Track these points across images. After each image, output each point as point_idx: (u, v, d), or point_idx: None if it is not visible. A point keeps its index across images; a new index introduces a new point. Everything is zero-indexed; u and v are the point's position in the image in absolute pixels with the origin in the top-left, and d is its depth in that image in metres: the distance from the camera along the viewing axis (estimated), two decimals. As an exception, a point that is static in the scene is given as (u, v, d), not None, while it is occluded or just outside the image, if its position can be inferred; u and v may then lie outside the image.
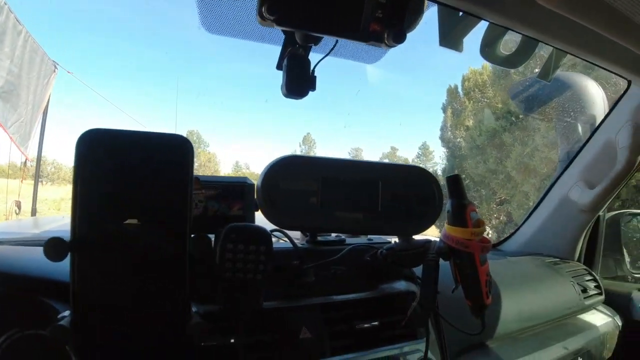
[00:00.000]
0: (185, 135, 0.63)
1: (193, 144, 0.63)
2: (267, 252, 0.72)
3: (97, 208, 0.58)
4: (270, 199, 0.75)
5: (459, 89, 14.00)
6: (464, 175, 11.36)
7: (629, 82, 1.50)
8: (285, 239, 0.87)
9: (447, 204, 0.82)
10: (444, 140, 14.40)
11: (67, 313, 0.59)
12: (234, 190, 0.83)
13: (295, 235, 0.99)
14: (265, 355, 0.76)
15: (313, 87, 0.91)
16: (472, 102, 13.44)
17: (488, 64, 12.80)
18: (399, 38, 0.76)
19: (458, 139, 13.81)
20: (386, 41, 0.78)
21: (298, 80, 0.89)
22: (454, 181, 0.82)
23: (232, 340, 0.73)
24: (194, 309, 0.74)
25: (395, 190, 0.82)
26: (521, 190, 10.38)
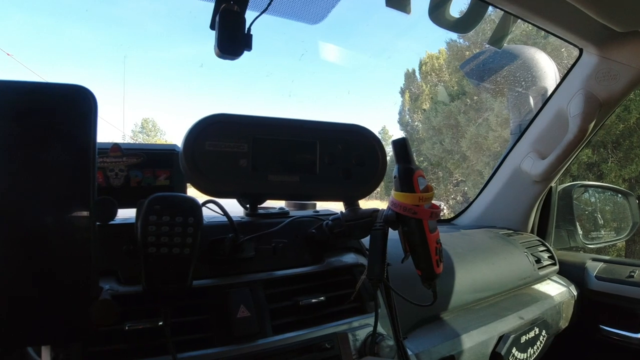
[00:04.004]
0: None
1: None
2: (196, 224, 0.64)
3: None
4: (195, 162, 0.67)
5: (417, 73, 14.13)
6: (421, 158, 11.55)
7: (581, 50, 1.49)
8: (220, 211, 0.79)
9: (394, 170, 0.77)
10: (402, 123, 14.56)
11: None
12: (160, 158, 0.75)
13: (238, 211, 0.92)
14: (197, 338, 0.70)
15: (249, 47, 0.84)
16: (429, 85, 13.61)
17: (444, 49, 13.01)
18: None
19: (416, 122, 13.99)
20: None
21: (232, 39, 0.82)
22: (401, 145, 0.77)
23: (160, 323, 0.66)
24: (114, 289, 0.67)
25: (335, 152, 0.75)
26: (476, 169, 10.64)
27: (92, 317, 0.52)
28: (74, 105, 0.52)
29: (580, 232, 1.95)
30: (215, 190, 0.69)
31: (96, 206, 0.52)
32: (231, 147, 0.68)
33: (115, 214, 0.53)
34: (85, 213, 0.52)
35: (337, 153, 0.76)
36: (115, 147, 0.74)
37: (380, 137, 0.83)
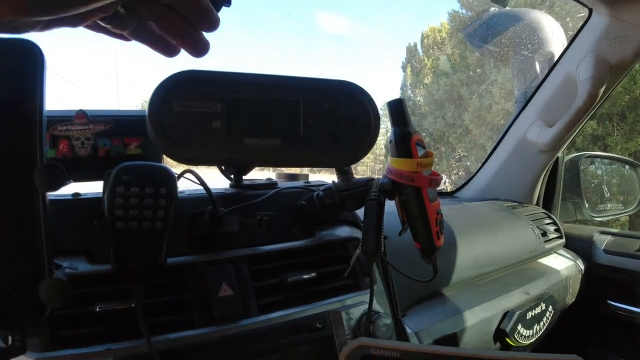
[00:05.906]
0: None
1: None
2: (169, 195, 0.58)
3: None
4: (162, 125, 0.59)
5: (418, 47, 13.89)
6: (424, 133, 11.44)
7: (590, 10, 1.40)
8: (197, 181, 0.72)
9: (390, 134, 0.70)
10: (405, 98, 14.43)
11: None
12: (130, 124, 0.68)
13: (224, 182, 0.85)
14: (175, 319, 0.64)
15: (227, 2, 0.76)
16: (431, 59, 13.40)
17: (446, 21, 12.78)
18: None
19: (418, 97, 13.83)
20: None
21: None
22: (396, 106, 0.69)
23: (134, 305, 0.60)
24: (74, 268, 0.61)
25: (320, 111, 0.68)
26: (479, 144, 10.54)
27: (42, 298, 0.46)
28: (15, 61, 0.45)
29: (587, 204, 1.88)
30: (184, 156, 0.62)
31: (41, 173, 0.45)
32: (202, 107, 0.61)
33: (62, 180, 0.46)
34: (29, 182, 0.45)
35: (324, 113, 0.68)
36: (81, 113, 0.67)
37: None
